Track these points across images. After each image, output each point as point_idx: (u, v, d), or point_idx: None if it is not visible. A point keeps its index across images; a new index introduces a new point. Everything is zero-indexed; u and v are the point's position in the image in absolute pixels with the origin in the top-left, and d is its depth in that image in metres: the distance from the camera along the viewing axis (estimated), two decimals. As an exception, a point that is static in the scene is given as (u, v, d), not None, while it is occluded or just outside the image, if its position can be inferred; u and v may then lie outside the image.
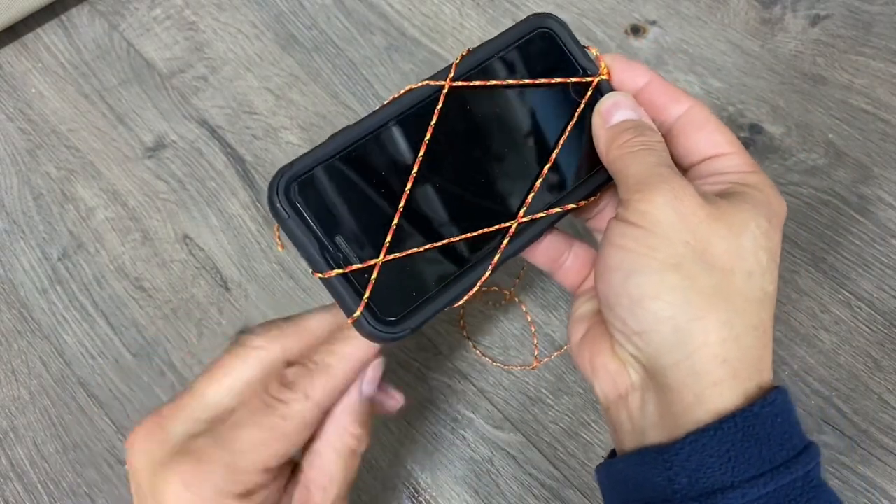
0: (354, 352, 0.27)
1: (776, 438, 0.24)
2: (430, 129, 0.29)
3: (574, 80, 0.31)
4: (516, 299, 0.42)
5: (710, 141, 0.29)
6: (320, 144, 0.28)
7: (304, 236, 0.27)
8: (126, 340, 0.42)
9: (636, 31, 0.49)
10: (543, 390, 0.40)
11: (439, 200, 0.29)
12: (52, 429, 0.40)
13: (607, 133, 0.29)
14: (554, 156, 0.30)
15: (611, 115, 0.29)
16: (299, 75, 0.49)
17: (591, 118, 0.30)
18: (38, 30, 0.51)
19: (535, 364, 0.41)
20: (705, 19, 0.49)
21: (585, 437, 0.39)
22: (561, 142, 0.30)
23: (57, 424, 0.41)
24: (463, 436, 0.40)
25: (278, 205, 0.27)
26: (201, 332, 0.42)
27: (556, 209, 0.30)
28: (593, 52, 0.31)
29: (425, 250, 0.28)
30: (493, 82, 0.30)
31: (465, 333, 0.42)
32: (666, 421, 0.25)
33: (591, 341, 0.29)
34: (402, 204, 0.28)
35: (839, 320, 0.41)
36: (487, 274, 0.29)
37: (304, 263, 0.40)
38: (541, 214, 0.30)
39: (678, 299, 0.25)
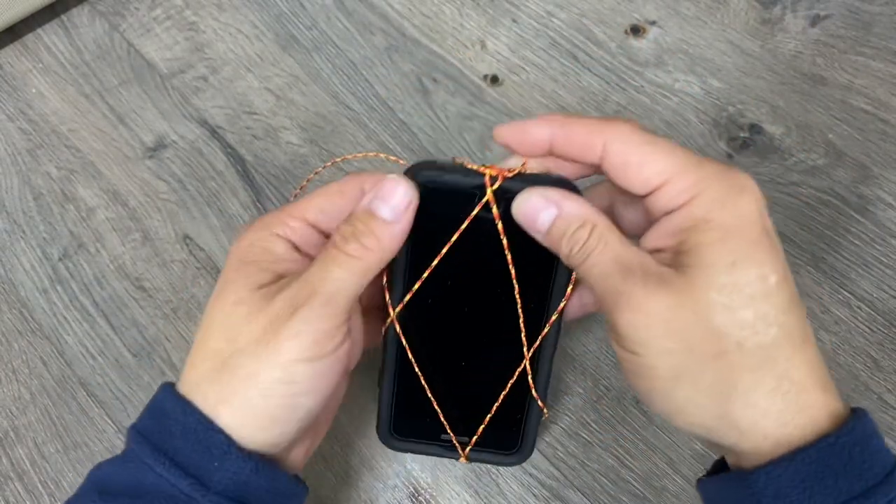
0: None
1: (854, 469, 0.23)
2: None
3: (474, 213, 0.28)
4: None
5: (640, 180, 0.26)
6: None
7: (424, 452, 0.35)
8: (126, 340, 0.42)
9: (636, 31, 0.49)
10: (543, 390, 0.40)
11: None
12: (52, 429, 0.41)
13: (550, 243, 0.27)
14: (517, 292, 0.30)
15: (532, 222, 0.27)
16: (299, 75, 0.49)
17: (518, 233, 0.28)
18: (39, 30, 0.51)
19: (535, 364, 0.41)
20: (705, 19, 0.49)
21: (585, 437, 0.39)
22: (512, 275, 0.29)
23: (57, 424, 0.41)
24: (463, 436, 0.40)
25: (397, 451, 0.35)
26: (202, 332, 0.42)
27: (550, 322, 0.31)
28: (473, 166, 0.28)
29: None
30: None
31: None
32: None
33: None
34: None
35: (839, 320, 0.41)
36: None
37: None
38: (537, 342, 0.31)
39: (696, 409, 0.25)
